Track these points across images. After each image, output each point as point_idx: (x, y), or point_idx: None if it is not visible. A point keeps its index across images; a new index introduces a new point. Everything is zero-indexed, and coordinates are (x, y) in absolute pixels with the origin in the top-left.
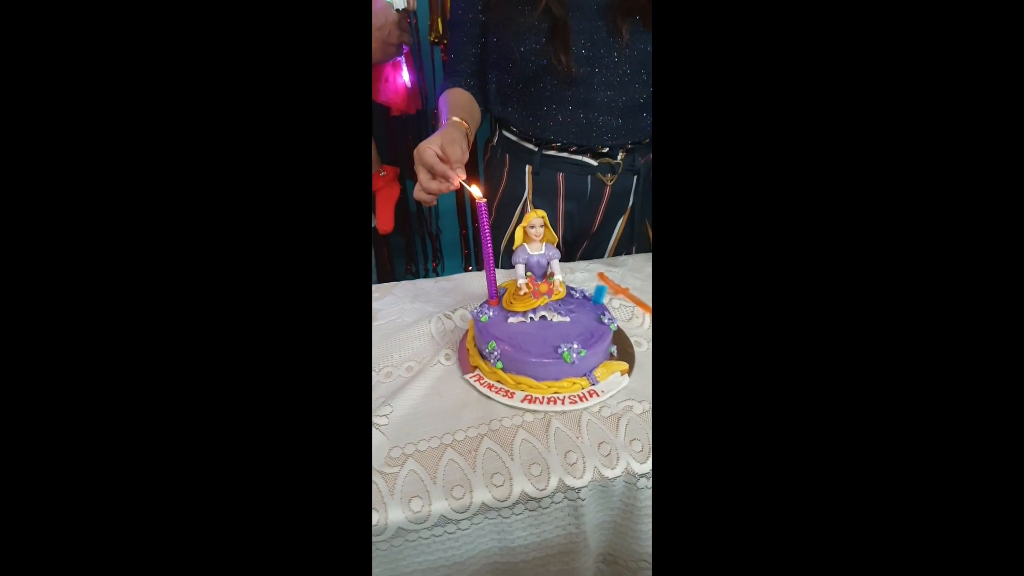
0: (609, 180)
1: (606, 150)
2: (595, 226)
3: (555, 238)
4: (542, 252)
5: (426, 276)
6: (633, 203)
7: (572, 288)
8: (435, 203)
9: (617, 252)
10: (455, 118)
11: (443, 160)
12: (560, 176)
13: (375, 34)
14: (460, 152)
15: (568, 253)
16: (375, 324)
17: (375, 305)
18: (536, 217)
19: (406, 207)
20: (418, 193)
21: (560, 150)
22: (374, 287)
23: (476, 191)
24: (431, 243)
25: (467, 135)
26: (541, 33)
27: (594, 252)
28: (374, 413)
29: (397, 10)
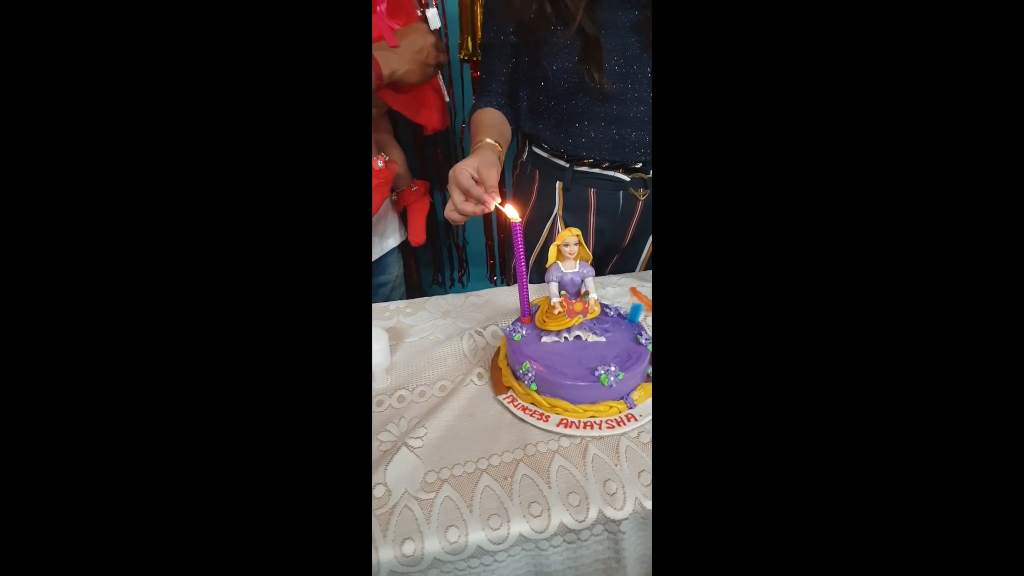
0: (641, 195)
1: (639, 165)
2: (626, 240)
3: (589, 256)
4: (576, 270)
5: (452, 287)
6: None
7: (607, 306)
8: (464, 223)
9: (648, 268)
10: (489, 140)
11: (478, 183)
12: (591, 192)
13: (416, 57)
14: (495, 175)
15: (598, 267)
16: (408, 340)
17: (407, 321)
18: (571, 235)
19: (434, 219)
20: (449, 212)
21: (592, 166)
22: (407, 303)
23: (512, 212)
24: (457, 254)
25: (500, 157)
26: (574, 51)
27: (624, 267)
28: (409, 435)
29: (433, 31)
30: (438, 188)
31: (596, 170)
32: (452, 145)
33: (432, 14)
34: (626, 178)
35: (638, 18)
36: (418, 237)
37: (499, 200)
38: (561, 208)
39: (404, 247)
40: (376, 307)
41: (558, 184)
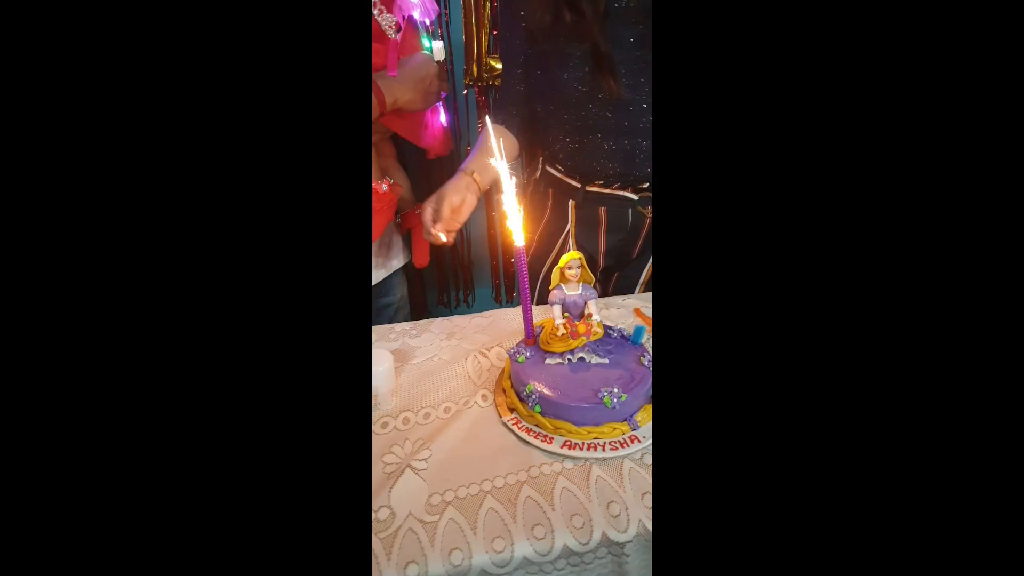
0: (649, 212)
1: (646, 185)
2: (635, 253)
3: (592, 278)
4: (579, 292)
5: (457, 306)
6: None
7: (610, 328)
8: (446, 242)
9: (647, 289)
10: (471, 171)
11: (435, 219)
12: (602, 210)
13: (418, 85)
14: (449, 206)
15: (607, 279)
16: (413, 362)
17: (413, 342)
18: (573, 259)
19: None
20: (424, 235)
21: (603, 187)
22: (412, 324)
23: (518, 236)
24: (463, 274)
25: (477, 187)
26: (585, 62)
27: (629, 279)
28: (414, 457)
29: (437, 62)
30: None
31: (607, 191)
32: (456, 168)
33: (438, 47)
34: (635, 197)
35: (641, 31)
36: (422, 259)
37: (448, 241)
38: (574, 225)
39: (408, 268)
40: (381, 328)
41: (571, 202)
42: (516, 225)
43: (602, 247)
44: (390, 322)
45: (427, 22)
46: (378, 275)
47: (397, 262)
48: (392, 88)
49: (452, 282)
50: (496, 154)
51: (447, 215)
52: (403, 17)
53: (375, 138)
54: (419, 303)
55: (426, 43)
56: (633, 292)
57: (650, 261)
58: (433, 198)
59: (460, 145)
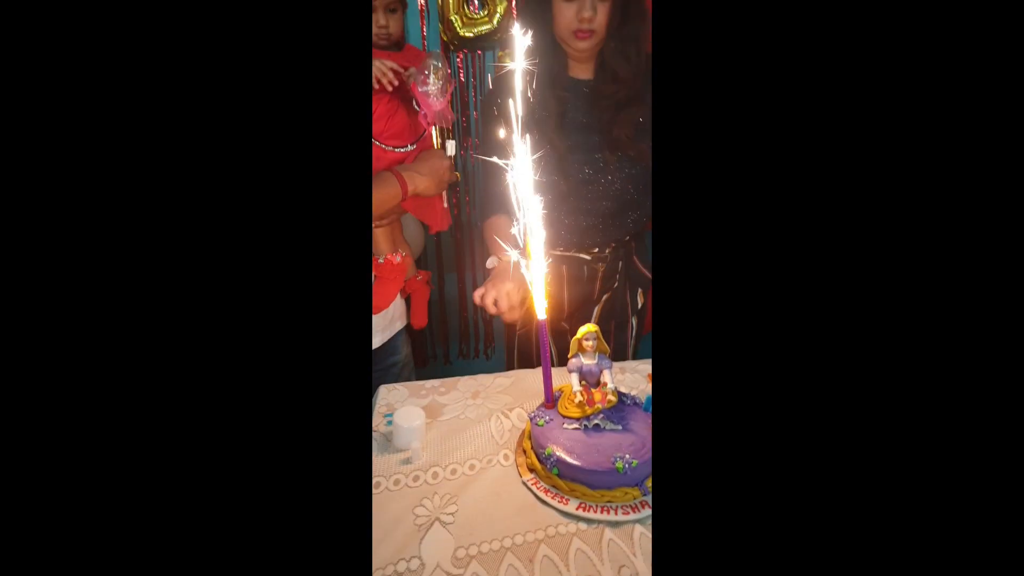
0: (600, 267)
1: (596, 249)
2: (594, 294)
3: (607, 348)
4: (595, 362)
5: (477, 357)
6: (618, 283)
7: (623, 394)
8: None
9: (601, 317)
10: (498, 259)
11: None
12: (564, 267)
13: (434, 176)
14: (506, 294)
15: (570, 311)
16: (442, 419)
17: (441, 399)
18: (590, 332)
19: (464, 293)
20: (487, 304)
21: (564, 252)
22: (440, 382)
23: (540, 312)
24: (484, 328)
25: (508, 267)
26: (550, 161)
27: (583, 316)
28: (442, 510)
29: (449, 156)
30: (437, 274)
31: (568, 254)
32: (452, 238)
33: (451, 145)
34: (588, 257)
35: (596, 140)
36: (420, 320)
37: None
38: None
39: (436, 325)
40: (413, 385)
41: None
42: (540, 303)
43: (565, 297)
44: (396, 379)
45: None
46: (385, 336)
47: (399, 323)
48: (414, 178)
49: (473, 334)
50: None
51: (507, 306)
52: (427, 123)
53: (392, 217)
54: (420, 360)
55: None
56: (626, 355)
57: (603, 298)
58: (489, 295)
59: (463, 216)
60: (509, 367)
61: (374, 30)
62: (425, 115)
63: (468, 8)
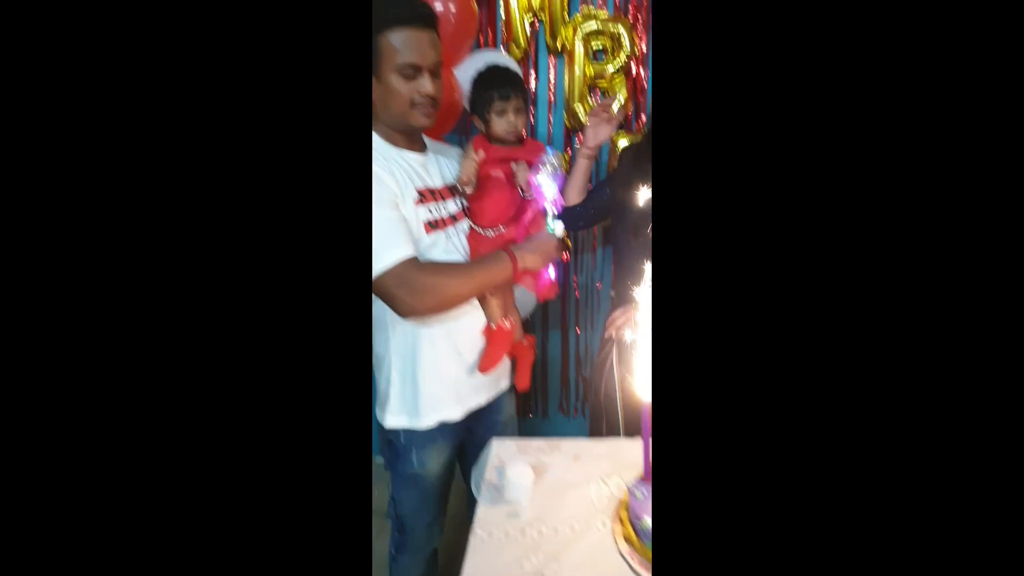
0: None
1: None
2: None
3: None
4: None
5: (573, 414)
6: None
7: None
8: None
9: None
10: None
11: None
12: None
13: (542, 255)
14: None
15: None
16: (546, 477)
17: (545, 459)
18: None
19: (567, 353)
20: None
21: None
22: (545, 441)
23: (647, 395)
24: (583, 385)
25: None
26: None
27: None
28: (546, 566)
29: (557, 237)
30: (541, 333)
31: None
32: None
33: (559, 226)
34: None
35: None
36: (524, 383)
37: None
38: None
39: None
40: (521, 442)
41: None
42: (645, 386)
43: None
44: (500, 435)
45: (554, 210)
46: (490, 395)
47: (504, 383)
48: (524, 257)
49: (574, 391)
50: None
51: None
52: (540, 207)
53: (504, 288)
54: (524, 419)
55: (550, 223)
56: None
57: None
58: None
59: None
60: (595, 430)
61: (503, 128)
62: (535, 200)
63: (590, 98)
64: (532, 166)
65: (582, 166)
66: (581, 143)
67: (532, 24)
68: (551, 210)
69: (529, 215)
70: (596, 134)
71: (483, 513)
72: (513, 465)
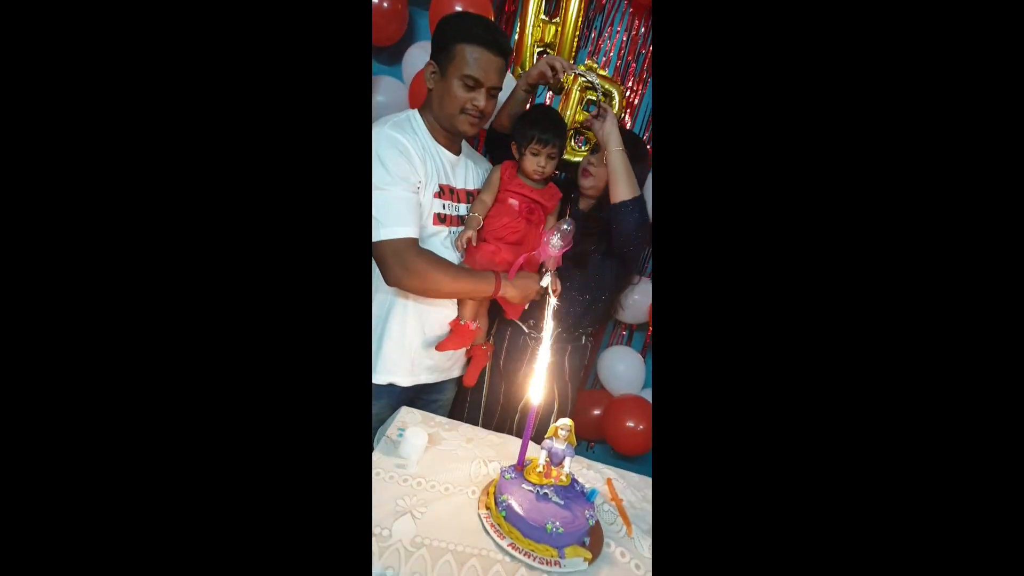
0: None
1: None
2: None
3: (575, 442)
4: (563, 448)
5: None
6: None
7: (576, 482)
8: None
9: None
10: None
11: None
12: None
13: (523, 293)
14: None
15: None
16: (438, 447)
17: (444, 434)
18: (566, 424)
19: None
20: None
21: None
22: (447, 420)
23: (536, 397)
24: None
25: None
26: None
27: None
28: (416, 508)
29: (543, 285)
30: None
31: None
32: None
33: (547, 278)
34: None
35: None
36: (471, 381)
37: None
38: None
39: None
40: (426, 414)
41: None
42: (537, 390)
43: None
44: (434, 413)
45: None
46: (440, 376)
47: (456, 372)
48: (507, 288)
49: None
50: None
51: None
52: (540, 259)
53: (483, 299)
54: (458, 408)
55: (544, 277)
56: None
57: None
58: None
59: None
60: (487, 422)
61: (532, 167)
62: (539, 255)
63: (573, 142)
64: (547, 211)
65: (618, 158)
66: (603, 148)
67: (540, 55)
68: (548, 266)
69: (525, 259)
70: (604, 131)
71: (377, 458)
72: (412, 428)
